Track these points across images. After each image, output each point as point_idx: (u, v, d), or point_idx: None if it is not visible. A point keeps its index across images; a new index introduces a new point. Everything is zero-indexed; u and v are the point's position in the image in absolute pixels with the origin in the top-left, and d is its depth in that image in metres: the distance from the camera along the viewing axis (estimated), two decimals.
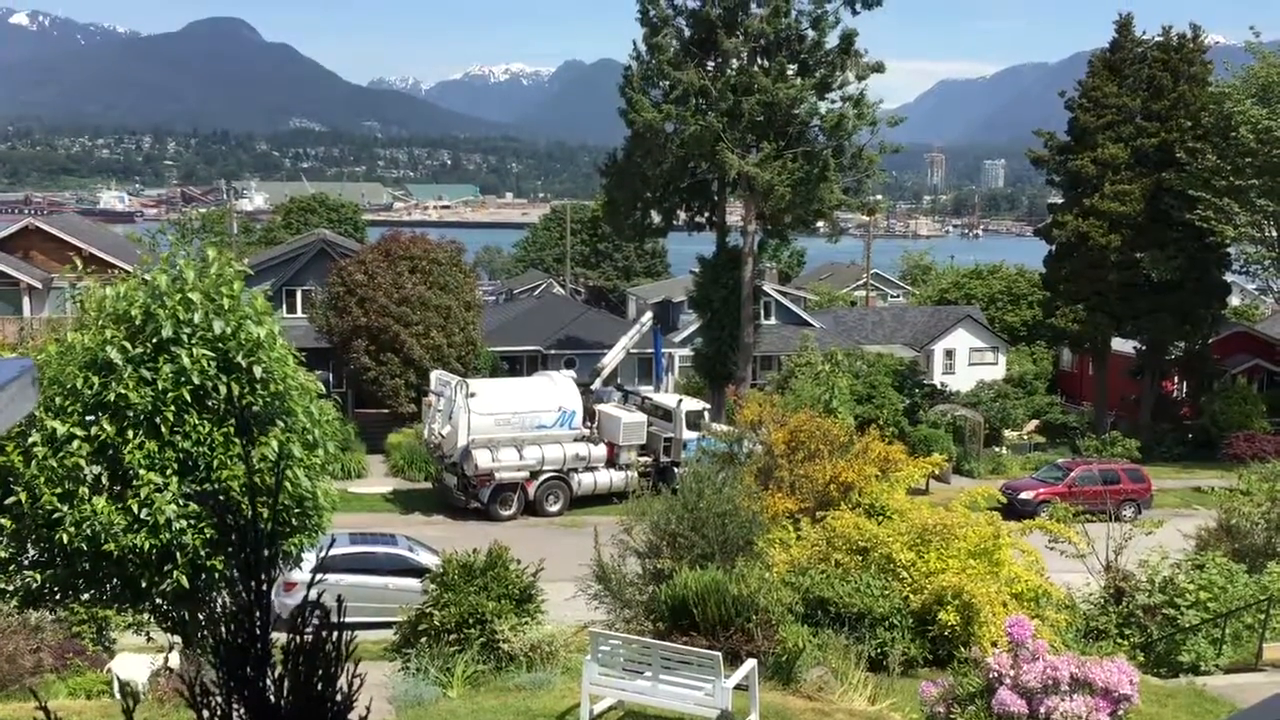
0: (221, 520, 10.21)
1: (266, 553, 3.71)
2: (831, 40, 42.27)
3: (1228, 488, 27.51)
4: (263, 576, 3.59)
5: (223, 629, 3.59)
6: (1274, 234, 46.27)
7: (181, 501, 11.87)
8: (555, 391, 36.54)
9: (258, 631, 3.53)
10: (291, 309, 45.42)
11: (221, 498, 11.65)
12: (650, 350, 47.99)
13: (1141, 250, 45.55)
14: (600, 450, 36.68)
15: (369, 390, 41.81)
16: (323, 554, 5.05)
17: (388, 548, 25.11)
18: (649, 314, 46.21)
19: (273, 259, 47.92)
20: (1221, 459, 43.08)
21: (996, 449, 45.49)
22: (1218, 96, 45.37)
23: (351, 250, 46.65)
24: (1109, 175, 46.48)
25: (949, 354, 57.60)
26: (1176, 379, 52.98)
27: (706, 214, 46.11)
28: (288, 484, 12.37)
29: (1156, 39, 48.56)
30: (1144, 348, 49.07)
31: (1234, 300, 61.72)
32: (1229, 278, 51.93)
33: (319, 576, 4.19)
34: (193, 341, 12.04)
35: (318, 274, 45.06)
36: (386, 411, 42.01)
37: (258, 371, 12.24)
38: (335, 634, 3.75)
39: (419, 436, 38.22)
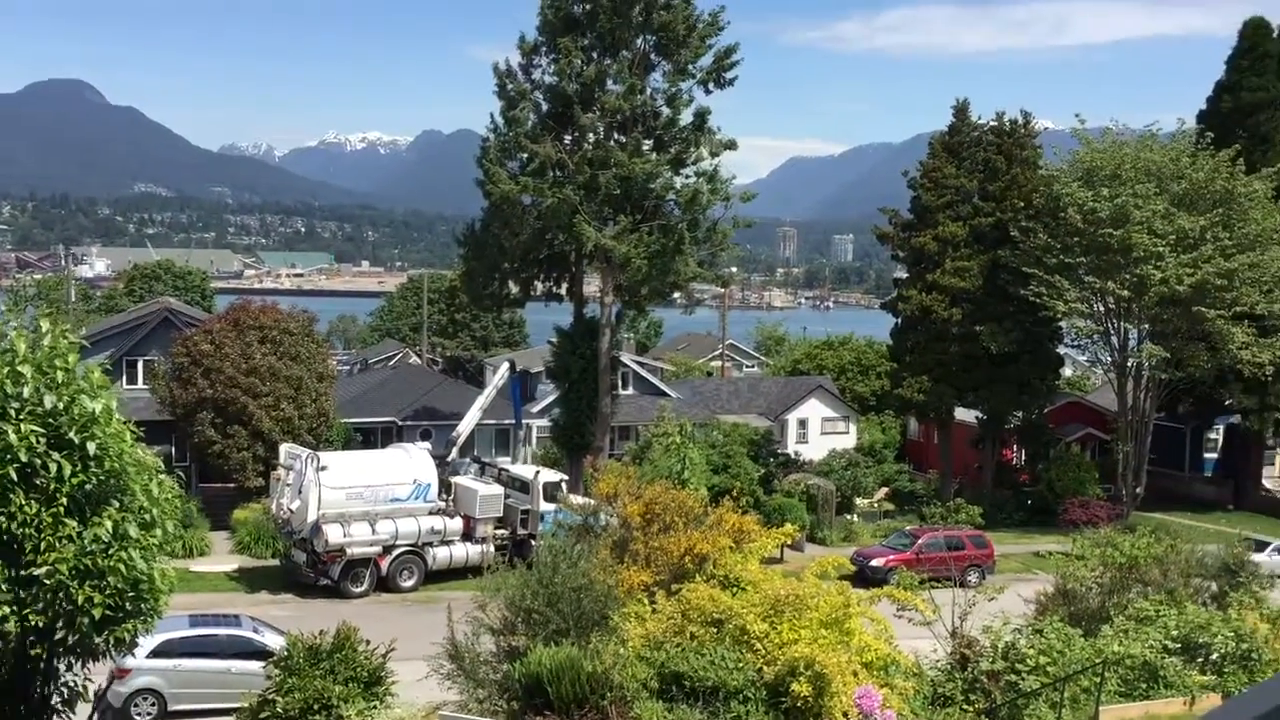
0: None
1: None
2: (686, 117, 43.24)
3: (1064, 552, 28.56)
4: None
5: None
6: (1101, 309, 48.81)
7: (4, 587, 11.21)
8: (410, 464, 35.92)
9: None
10: (132, 380, 43.71)
11: (48, 582, 11.05)
12: (508, 421, 47.68)
13: (981, 324, 47.59)
14: (456, 524, 36.12)
15: (214, 464, 40.40)
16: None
17: (230, 629, 24.06)
18: (505, 365, 45.87)
19: (113, 328, 46.16)
20: (1058, 524, 44.83)
21: (848, 517, 46.44)
22: (1047, 179, 48.00)
23: (198, 319, 45.29)
24: (949, 252, 48.58)
25: (802, 423, 58.79)
26: (1015, 447, 55.18)
27: (564, 285, 46.30)
28: (122, 567, 11.82)
29: (991, 123, 51.25)
30: (985, 417, 50.98)
31: (1067, 372, 64.74)
32: (1061, 350, 54.55)
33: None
34: (21, 417, 11.47)
35: (161, 344, 43.56)
36: (233, 486, 40.63)
37: (91, 448, 11.71)
38: None
39: (267, 511, 37.01)
